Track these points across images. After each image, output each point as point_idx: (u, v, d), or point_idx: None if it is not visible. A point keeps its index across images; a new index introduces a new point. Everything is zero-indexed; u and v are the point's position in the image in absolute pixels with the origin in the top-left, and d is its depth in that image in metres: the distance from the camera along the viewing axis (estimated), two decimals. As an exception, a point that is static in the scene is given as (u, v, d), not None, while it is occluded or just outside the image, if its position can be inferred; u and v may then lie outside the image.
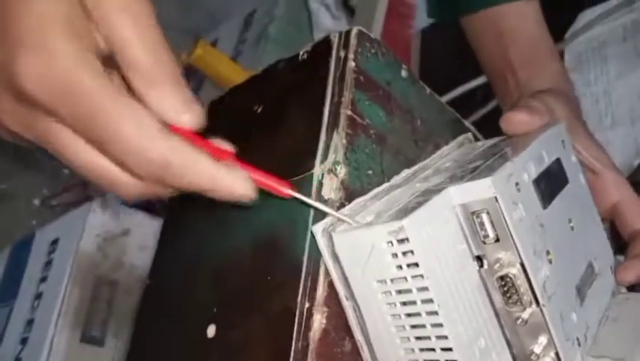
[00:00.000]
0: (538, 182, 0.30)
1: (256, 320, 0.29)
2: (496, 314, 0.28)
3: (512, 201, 0.28)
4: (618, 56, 0.63)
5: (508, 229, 0.27)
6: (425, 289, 0.25)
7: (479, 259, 0.28)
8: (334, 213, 0.28)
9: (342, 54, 0.34)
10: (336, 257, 0.27)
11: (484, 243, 0.28)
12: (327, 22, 0.81)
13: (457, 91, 0.65)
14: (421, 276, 0.25)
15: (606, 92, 0.64)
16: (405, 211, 0.26)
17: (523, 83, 0.47)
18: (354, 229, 0.26)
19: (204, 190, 0.25)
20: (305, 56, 0.37)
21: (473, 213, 0.28)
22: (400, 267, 0.25)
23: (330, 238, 0.27)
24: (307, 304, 0.27)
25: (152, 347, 0.36)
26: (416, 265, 0.25)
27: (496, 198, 0.27)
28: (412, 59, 0.76)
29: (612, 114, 0.66)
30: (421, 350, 0.26)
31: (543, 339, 0.28)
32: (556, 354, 0.28)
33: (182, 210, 0.39)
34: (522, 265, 0.27)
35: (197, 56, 0.70)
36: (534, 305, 0.27)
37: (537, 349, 0.28)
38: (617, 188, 0.40)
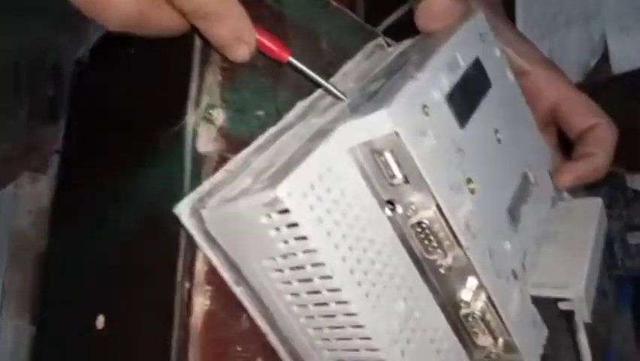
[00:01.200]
0: (452, 97, 0.25)
1: (141, 308, 0.24)
2: (417, 263, 0.24)
3: (419, 131, 0.23)
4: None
5: (417, 168, 0.22)
6: (320, 264, 0.20)
7: (390, 203, 0.24)
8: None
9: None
10: (212, 239, 0.22)
11: (392, 185, 0.23)
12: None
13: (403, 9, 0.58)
14: (313, 250, 0.20)
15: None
16: (284, 170, 0.21)
17: None
18: (226, 203, 0.21)
19: (213, 20, 0.23)
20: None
21: (374, 151, 0.23)
22: (287, 241, 0.20)
23: (201, 218, 0.22)
24: (187, 285, 0.22)
25: (52, 340, 0.32)
26: (304, 238, 0.20)
27: (396, 132, 0.22)
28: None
29: (566, 12, 0.60)
30: (331, 327, 0.22)
31: (472, 282, 0.24)
32: (489, 297, 0.24)
33: (69, 184, 0.33)
34: (438, 206, 0.23)
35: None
36: (457, 248, 0.23)
37: (466, 295, 0.24)
38: (552, 86, 0.34)
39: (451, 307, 0.24)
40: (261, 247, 0.21)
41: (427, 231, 0.23)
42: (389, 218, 0.23)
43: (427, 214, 0.23)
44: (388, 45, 0.35)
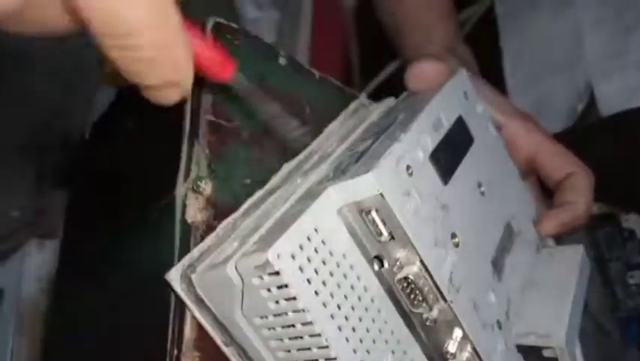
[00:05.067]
0: (436, 156, 0.27)
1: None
2: (405, 317, 0.25)
3: (403, 192, 0.24)
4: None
5: (401, 227, 0.23)
6: (309, 323, 0.21)
7: (378, 259, 0.25)
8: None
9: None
10: (202, 302, 0.23)
11: (380, 242, 0.24)
12: (253, 13, 0.72)
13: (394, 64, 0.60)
14: (302, 310, 0.21)
15: (541, 39, 0.61)
16: (274, 233, 0.22)
17: (414, 49, 0.42)
18: (217, 267, 0.22)
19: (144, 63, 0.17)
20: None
21: (361, 210, 0.24)
22: (278, 302, 0.21)
23: (191, 282, 0.23)
24: (176, 352, 0.23)
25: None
26: (294, 298, 0.21)
27: (381, 194, 0.23)
28: (350, 37, 0.72)
29: (550, 61, 0.63)
30: (322, 383, 0.23)
31: (458, 333, 0.25)
32: (474, 348, 0.25)
33: (72, 249, 0.34)
34: (422, 262, 0.24)
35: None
36: (441, 302, 0.24)
37: (452, 347, 0.25)
38: (527, 137, 0.36)
39: (438, 359, 0.25)
40: (253, 307, 0.22)
41: (413, 286, 0.24)
42: (377, 274, 0.24)
43: (412, 270, 0.24)
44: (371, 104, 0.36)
